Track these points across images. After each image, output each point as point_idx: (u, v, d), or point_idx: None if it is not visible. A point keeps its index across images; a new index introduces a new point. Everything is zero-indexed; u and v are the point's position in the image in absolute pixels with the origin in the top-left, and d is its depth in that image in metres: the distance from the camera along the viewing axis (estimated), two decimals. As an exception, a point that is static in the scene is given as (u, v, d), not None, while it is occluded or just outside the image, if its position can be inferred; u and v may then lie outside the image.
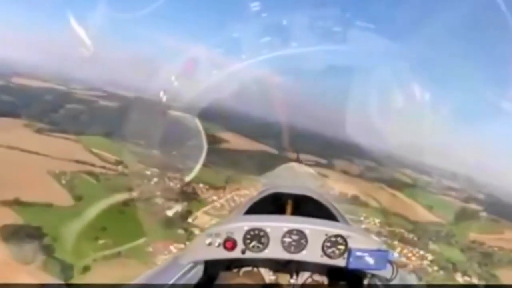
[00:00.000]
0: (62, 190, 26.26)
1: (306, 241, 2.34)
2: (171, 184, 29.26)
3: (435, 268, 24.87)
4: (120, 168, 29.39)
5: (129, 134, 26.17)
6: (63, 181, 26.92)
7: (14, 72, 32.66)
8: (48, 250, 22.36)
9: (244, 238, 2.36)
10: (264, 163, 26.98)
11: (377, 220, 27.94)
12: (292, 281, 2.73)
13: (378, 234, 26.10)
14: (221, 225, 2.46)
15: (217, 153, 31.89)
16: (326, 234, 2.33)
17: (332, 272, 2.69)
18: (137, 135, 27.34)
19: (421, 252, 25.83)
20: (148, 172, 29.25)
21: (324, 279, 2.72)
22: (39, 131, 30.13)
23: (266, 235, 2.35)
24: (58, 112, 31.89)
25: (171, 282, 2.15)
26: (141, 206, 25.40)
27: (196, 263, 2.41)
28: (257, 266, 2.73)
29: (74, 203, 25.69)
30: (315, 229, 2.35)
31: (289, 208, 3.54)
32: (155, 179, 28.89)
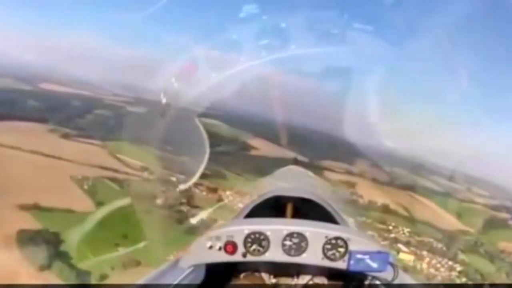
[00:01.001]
0: (84, 195, 25.38)
1: (307, 244, 2.31)
2: (197, 191, 28.18)
3: (464, 279, 24.00)
4: (145, 174, 28.51)
5: (156, 140, 25.89)
6: (85, 187, 26.05)
7: (43, 78, 32.60)
8: (64, 257, 21.42)
9: (245, 242, 2.32)
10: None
11: (406, 230, 27.40)
12: (293, 283, 2.70)
13: (407, 244, 25.98)
14: (221, 228, 2.43)
15: (246, 160, 31.24)
16: (326, 237, 2.29)
17: (333, 275, 2.65)
18: (164, 141, 27.26)
19: (450, 263, 25.18)
20: (174, 179, 28.43)
21: (324, 282, 2.69)
22: (64, 136, 29.69)
23: (266, 238, 2.32)
24: (85, 118, 31.49)
25: (171, 286, 2.12)
26: (164, 213, 24.76)
27: (196, 267, 2.39)
28: (257, 270, 2.72)
29: (95, 209, 24.63)
30: (315, 231, 2.32)
31: (289, 211, 3.53)
32: (181, 186, 27.92)
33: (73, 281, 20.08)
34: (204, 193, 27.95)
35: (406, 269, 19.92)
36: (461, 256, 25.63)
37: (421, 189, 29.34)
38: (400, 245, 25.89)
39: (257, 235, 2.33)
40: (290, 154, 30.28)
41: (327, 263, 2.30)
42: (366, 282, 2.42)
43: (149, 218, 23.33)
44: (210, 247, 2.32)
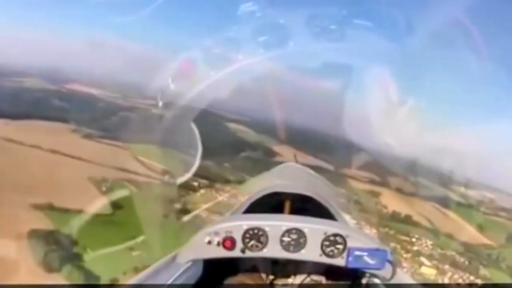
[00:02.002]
0: (101, 197, 24.56)
1: (305, 240, 2.35)
2: (218, 196, 27.47)
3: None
4: (166, 178, 27.06)
5: (180, 143, 24.07)
6: (103, 188, 25.40)
7: (68, 78, 32.43)
8: (76, 259, 20.73)
9: (243, 237, 2.36)
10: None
11: (429, 242, 27.00)
12: (291, 280, 2.75)
13: (430, 257, 25.74)
14: (219, 223, 2.45)
15: (267, 166, 29.42)
16: (325, 233, 2.33)
17: (331, 272, 2.70)
18: (189, 145, 26.11)
19: (471, 278, 24.82)
20: (195, 183, 27.82)
21: (322, 279, 2.73)
22: (87, 136, 29.25)
23: (265, 234, 2.35)
24: (110, 119, 30.98)
25: (169, 281, 2.12)
26: (182, 218, 24.22)
27: (194, 262, 2.41)
28: (255, 267, 2.77)
29: (112, 211, 24.01)
30: (314, 228, 2.36)
31: (287, 207, 3.48)
32: (202, 191, 27.50)
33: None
34: (225, 199, 27.10)
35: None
36: (482, 271, 25.08)
37: (445, 200, 28.29)
38: (422, 259, 25.48)
39: (255, 231, 2.33)
40: (314, 161, 29.56)
41: (325, 260, 2.34)
42: (364, 281, 2.42)
43: (166, 222, 22.38)
44: (209, 243, 2.34)
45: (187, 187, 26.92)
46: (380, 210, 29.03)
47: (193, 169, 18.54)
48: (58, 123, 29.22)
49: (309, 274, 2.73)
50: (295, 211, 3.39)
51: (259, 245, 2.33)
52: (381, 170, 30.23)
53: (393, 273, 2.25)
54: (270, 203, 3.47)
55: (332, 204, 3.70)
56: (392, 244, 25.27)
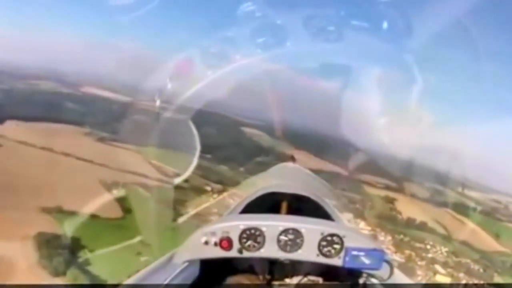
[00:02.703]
0: (112, 201, 24.12)
1: (302, 240, 2.33)
2: (231, 201, 25.05)
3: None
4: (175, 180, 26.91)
5: (194, 147, 25.38)
6: (114, 192, 24.84)
7: (83, 81, 32.50)
8: (82, 263, 20.32)
9: (240, 237, 2.34)
10: (332, 185, 26.02)
11: (444, 249, 26.66)
12: (288, 281, 2.72)
13: (445, 265, 25.40)
14: (216, 223, 2.43)
15: None
16: (322, 233, 2.32)
17: (328, 272, 2.67)
18: (203, 149, 26.79)
19: (486, 286, 25.43)
20: (209, 188, 27.32)
21: (319, 279, 2.70)
22: (100, 140, 29.09)
23: (262, 234, 2.34)
24: (123, 122, 30.29)
25: (166, 281, 2.11)
26: (193, 223, 23.40)
27: (191, 263, 2.41)
28: (252, 266, 2.75)
29: (122, 215, 23.54)
30: (311, 228, 2.35)
31: (284, 207, 3.46)
32: (215, 196, 26.71)
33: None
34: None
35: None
36: (496, 279, 24.89)
37: (460, 207, 28.43)
38: (437, 266, 25.19)
39: (252, 231, 2.32)
40: (330, 167, 29.80)
41: (322, 260, 2.31)
42: (361, 281, 2.41)
43: (176, 226, 22.38)
44: (206, 243, 2.30)
45: (200, 191, 26.58)
46: (395, 216, 29.02)
47: (191, 168, 17.52)
48: (71, 126, 29.10)
49: (306, 274, 2.70)
50: (292, 211, 3.37)
51: (256, 245, 2.32)
52: (397, 175, 29.90)
53: (391, 273, 2.24)
54: (267, 203, 3.45)
55: (329, 204, 3.70)
56: (407, 251, 25.50)
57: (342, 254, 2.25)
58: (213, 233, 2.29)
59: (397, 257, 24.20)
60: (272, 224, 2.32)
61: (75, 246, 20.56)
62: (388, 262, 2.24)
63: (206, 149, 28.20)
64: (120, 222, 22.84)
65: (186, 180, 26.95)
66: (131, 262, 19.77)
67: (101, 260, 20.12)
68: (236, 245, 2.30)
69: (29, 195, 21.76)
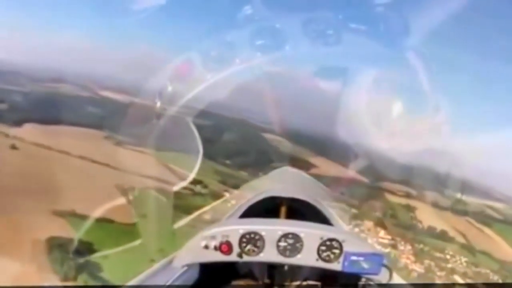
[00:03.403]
0: (127, 206, 23.89)
1: (301, 245, 2.35)
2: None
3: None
4: (197, 187, 27.17)
5: (215, 153, 26.39)
6: (130, 197, 24.46)
7: (103, 85, 32.21)
8: (94, 269, 20.13)
9: (240, 242, 2.40)
10: (353, 193, 27.60)
11: (464, 259, 26.02)
12: (287, 285, 2.72)
13: (464, 275, 24.80)
14: (216, 228, 2.49)
15: None
16: (321, 238, 2.33)
17: (327, 277, 2.66)
18: (224, 155, 28.04)
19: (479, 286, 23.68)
20: (227, 194, 27.03)
21: (318, 284, 2.70)
22: (119, 144, 28.67)
23: (261, 238, 2.38)
24: (142, 126, 29.89)
25: (165, 285, 2.22)
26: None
27: (190, 267, 2.49)
28: (252, 270, 2.80)
29: (137, 221, 22.45)
30: (310, 232, 2.36)
31: (284, 211, 3.54)
32: (233, 201, 24.41)
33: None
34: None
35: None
36: None
37: (480, 216, 28.01)
38: (456, 277, 24.61)
39: (252, 235, 2.39)
40: (350, 173, 28.58)
41: (321, 264, 2.36)
42: (360, 285, 2.45)
43: (191, 232, 20.50)
44: (205, 247, 2.41)
45: (219, 197, 26.31)
46: (416, 225, 28.73)
47: (192, 174, 17.39)
48: (90, 129, 28.92)
49: (305, 278, 2.67)
50: (291, 215, 3.37)
51: (256, 249, 2.35)
52: (417, 183, 28.99)
53: (390, 277, 2.23)
54: (267, 207, 3.54)
55: (328, 209, 3.72)
56: (427, 261, 25.09)
57: (341, 258, 2.28)
58: (213, 237, 2.35)
59: (416, 267, 24.18)
60: (271, 229, 2.35)
61: (88, 250, 20.31)
62: (387, 266, 2.25)
63: (226, 155, 28.83)
64: (135, 227, 21.69)
65: (205, 186, 26.79)
66: (143, 268, 19.03)
67: (113, 266, 19.86)
68: (236, 249, 2.35)
69: (43, 199, 21.48)
